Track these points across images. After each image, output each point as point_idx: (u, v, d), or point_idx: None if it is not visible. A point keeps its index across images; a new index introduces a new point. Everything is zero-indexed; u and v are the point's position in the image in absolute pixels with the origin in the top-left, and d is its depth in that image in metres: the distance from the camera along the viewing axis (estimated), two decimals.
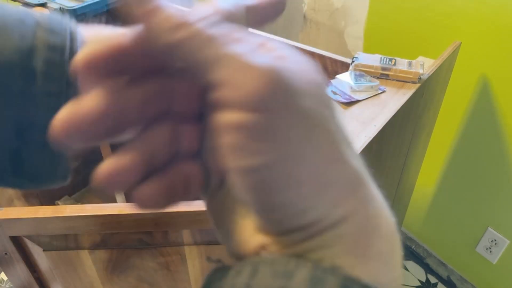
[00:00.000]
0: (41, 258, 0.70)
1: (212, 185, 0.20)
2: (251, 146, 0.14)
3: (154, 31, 0.15)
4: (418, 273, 1.52)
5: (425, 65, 0.82)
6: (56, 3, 1.11)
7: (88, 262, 0.68)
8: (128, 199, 1.10)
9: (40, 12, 0.21)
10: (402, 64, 0.81)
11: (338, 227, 0.16)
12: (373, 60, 0.83)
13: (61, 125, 0.16)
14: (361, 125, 0.69)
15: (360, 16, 1.29)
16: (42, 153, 0.21)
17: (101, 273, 0.70)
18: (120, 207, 0.59)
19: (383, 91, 0.78)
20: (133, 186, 0.17)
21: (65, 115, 0.16)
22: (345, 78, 0.81)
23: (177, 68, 0.17)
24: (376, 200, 0.17)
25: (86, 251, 0.67)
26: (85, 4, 1.10)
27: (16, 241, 0.67)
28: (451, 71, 1.05)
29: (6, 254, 0.69)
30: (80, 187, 1.44)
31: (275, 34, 1.09)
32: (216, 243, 0.65)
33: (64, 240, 0.66)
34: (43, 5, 1.12)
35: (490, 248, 1.28)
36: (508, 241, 1.23)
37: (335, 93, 0.77)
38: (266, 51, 0.15)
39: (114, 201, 1.16)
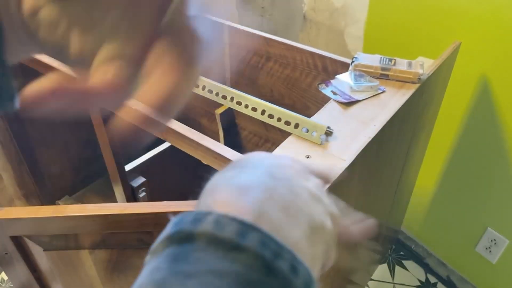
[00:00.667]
0: (41, 258, 0.70)
1: None
2: None
3: None
4: (417, 273, 1.52)
5: (424, 65, 0.82)
6: None
7: (88, 262, 0.68)
8: (128, 199, 1.10)
9: None
10: (401, 64, 0.82)
11: None
12: (373, 60, 0.83)
13: (29, 96, 0.19)
14: (361, 125, 0.69)
15: (360, 16, 1.29)
16: None
17: (101, 273, 0.70)
18: (121, 207, 0.59)
19: (383, 91, 0.79)
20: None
21: (30, 90, 0.20)
22: (345, 78, 0.81)
23: None
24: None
25: (86, 251, 0.67)
26: None
27: (17, 240, 0.67)
28: (451, 71, 1.05)
29: (6, 253, 0.69)
30: (80, 186, 1.44)
31: (275, 34, 1.09)
32: None
33: (64, 240, 0.66)
34: None
35: (489, 248, 1.28)
36: (507, 241, 1.23)
37: (335, 93, 0.77)
38: None
39: (115, 201, 1.16)
